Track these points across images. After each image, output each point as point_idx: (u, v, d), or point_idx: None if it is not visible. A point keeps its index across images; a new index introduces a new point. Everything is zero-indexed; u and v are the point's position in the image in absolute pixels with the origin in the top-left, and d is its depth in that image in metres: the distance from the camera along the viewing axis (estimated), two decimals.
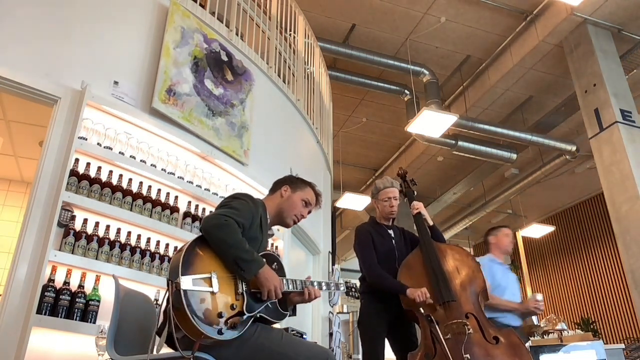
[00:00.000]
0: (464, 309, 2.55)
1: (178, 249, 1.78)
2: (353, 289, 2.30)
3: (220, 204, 1.95)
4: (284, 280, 1.89)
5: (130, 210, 2.76)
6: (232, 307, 1.71)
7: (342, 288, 2.25)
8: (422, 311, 2.53)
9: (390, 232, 3.00)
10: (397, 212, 3.07)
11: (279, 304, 1.91)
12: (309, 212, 2.20)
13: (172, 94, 3.19)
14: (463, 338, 2.37)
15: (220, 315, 1.66)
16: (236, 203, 1.89)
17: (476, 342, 2.41)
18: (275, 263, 1.96)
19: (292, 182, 2.21)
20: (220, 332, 1.63)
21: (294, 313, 2.04)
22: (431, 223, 3.01)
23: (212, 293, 1.67)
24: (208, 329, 1.60)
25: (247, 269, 1.74)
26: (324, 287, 2.07)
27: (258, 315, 1.79)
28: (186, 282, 1.61)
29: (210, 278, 1.68)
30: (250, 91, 3.92)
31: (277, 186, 2.21)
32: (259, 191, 3.77)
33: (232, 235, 1.75)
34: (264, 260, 1.82)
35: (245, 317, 1.73)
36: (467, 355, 2.30)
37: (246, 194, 2.05)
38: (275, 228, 3.83)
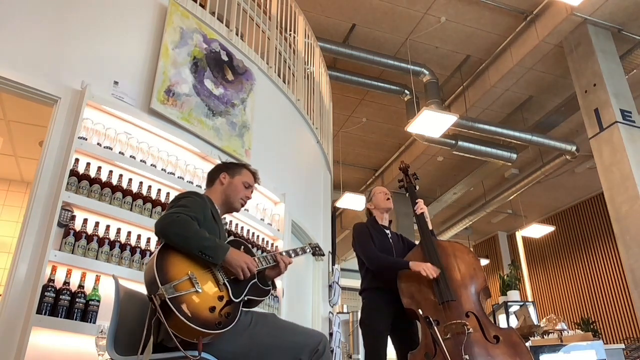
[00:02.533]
0: (464, 308, 2.55)
1: (146, 263, 1.78)
2: (317, 248, 2.35)
3: (167, 207, 1.96)
4: (256, 258, 1.93)
5: (130, 210, 2.76)
6: (220, 299, 1.73)
7: (308, 250, 2.29)
8: (421, 312, 2.53)
9: (388, 232, 3.03)
10: (394, 208, 3.11)
11: (260, 282, 1.94)
12: (252, 192, 2.25)
13: (171, 95, 3.19)
14: (463, 338, 2.37)
15: (212, 309, 1.68)
16: (183, 202, 1.91)
17: (476, 341, 2.40)
18: (242, 247, 1.98)
19: (228, 167, 2.24)
20: (218, 324, 1.66)
21: (274, 287, 2.11)
22: (430, 228, 3.01)
23: (197, 292, 1.68)
24: (206, 327, 1.62)
25: (213, 256, 1.76)
26: (292, 255, 2.13)
27: (246, 298, 1.83)
28: (169, 291, 1.61)
29: (189, 279, 1.69)
30: (252, 90, 3.91)
31: (213, 176, 2.23)
32: (259, 191, 3.77)
33: (188, 228, 1.76)
34: (228, 244, 1.85)
35: (234, 303, 1.76)
36: (467, 356, 2.29)
37: (190, 191, 2.09)
38: (275, 228, 3.85)
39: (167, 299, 1.58)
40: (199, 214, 1.88)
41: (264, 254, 2.02)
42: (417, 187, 3.22)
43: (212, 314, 1.67)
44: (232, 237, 2.05)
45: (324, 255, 2.40)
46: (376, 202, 3.09)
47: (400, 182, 3.29)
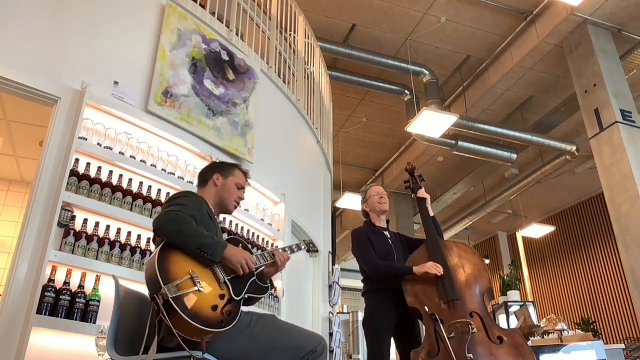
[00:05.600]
0: (468, 308, 2.55)
1: (147, 263, 1.77)
2: (311, 244, 2.34)
3: (163, 206, 1.96)
4: (254, 256, 1.93)
5: (130, 210, 2.76)
6: (221, 297, 1.74)
7: (302, 247, 2.29)
8: (427, 309, 2.53)
9: (386, 233, 3.02)
10: (390, 209, 3.09)
11: (258, 279, 1.96)
12: (244, 192, 2.25)
13: (169, 96, 3.19)
14: (467, 337, 2.37)
15: (214, 308, 1.69)
16: (180, 200, 1.92)
17: (480, 341, 2.41)
18: (240, 244, 1.99)
19: (221, 168, 2.23)
20: (220, 322, 1.67)
21: (272, 286, 2.12)
22: (432, 214, 3.02)
23: (199, 291, 1.68)
24: (209, 325, 1.63)
25: (212, 253, 1.76)
26: (288, 251, 2.13)
27: (246, 296, 1.85)
28: (171, 290, 1.61)
29: (191, 278, 1.69)
30: (254, 89, 3.91)
31: (206, 176, 2.21)
32: (259, 191, 3.77)
33: (186, 225, 1.76)
34: (226, 241, 1.86)
35: (235, 301, 1.77)
36: (470, 355, 2.30)
37: (186, 190, 2.10)
38: (275, 228, 3.84)
39: (170, 299, 1.58)
40: (196, 213, 1.88)
41: (261, 251, 2.04)
42: (423, 188, 3.20)
43: (215, 313, 1.68)
44: (229, 236, 2.06)
45: (317, 251, 2.41)
46: (371, 205, 3.06)
47: (406, 182, 3.29)
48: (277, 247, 3.82)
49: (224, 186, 2.16)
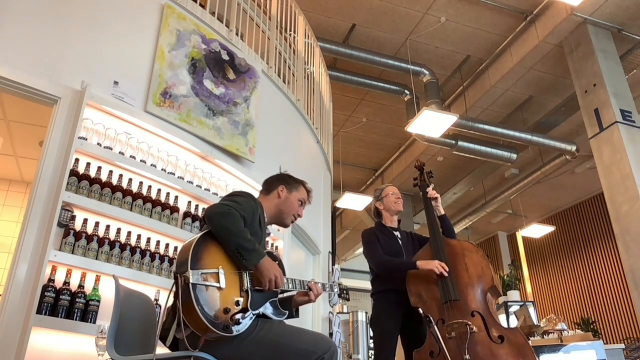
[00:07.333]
0: (470, 307, 2.55)
1: (186, 242, 1.78)
2: (344, 291, 2.33)
3: (222, 199, 1.98)
4: (285, 278, 1.92)
5: (130, 210, 2.76)
6: (237, 304, 1.73)
7: (335, 289, 2.28)
8: (421, 311, 2.53)
9: (397, 233, 3.03)
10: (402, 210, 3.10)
11: (280, 304, 1.93)
12: (303, 209, 2.25)
13: (168, 97, 3.18)
14: (466, 337, 2.36)
15: (226, 310, 1.67)
16: (238, 198, 1.93)
17: (480, 341, 2.40)
18: (277, 263, 1.97)
19: (287, 181, 2.23)
20: (225, 327, 1.65)
21: (297, 314, 2.08)
22: (442, 212, 3.01)
23: (219, 288, 1.68)
24: (214, 324, 1.62)
25: (248, 258, 1.76)
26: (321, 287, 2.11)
27: (260, 313, 1.82)
28: (194, 276, 1.63)
29: (217, 273, 1.70)
30: (255, 88, 3.91)
31: (272, 186, 2.22)
32: (259, 191, 3.76)
33: (235, 224, 1.77)
34: (265, 252, 1.85)
35: (248, 313, 1.75)
36: (467, 356, 2.29)
37: (246, 192, 2.09)
38: (275, 228, 3.85)
39: (190, 283, 1.60)
40: (248, 215, 1.88)
41: (295, 278, 2.03)
42: (432, 185, 3.18)
43: (224, 315, 1.67)
44: (268, 250, 2.04)
45: (348, 300, 2.40)
46: (386, 204, 3.06)
47: (415, 180, 3.28)
48: (277, 247, 3.82)
49: (286, 199, 2.17)
